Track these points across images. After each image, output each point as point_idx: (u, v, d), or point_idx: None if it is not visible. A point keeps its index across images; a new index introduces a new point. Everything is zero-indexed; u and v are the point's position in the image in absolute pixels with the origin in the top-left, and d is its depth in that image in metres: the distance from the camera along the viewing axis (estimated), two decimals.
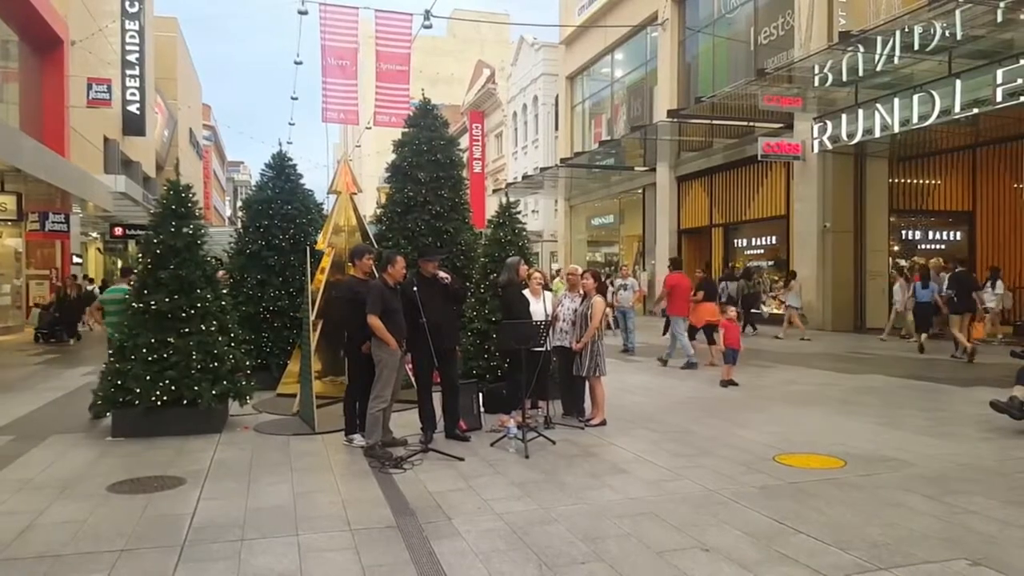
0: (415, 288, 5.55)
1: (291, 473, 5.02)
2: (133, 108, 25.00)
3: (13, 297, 18.48)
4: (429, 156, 9.38)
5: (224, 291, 6.98)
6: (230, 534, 3.84)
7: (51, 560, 3.52)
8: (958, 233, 17.40)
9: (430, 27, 15.95)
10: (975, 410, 6.75)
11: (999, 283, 12.62)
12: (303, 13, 15.10)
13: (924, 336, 12.14)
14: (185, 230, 6.40)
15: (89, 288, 21.90)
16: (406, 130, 9.83)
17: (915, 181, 16.79)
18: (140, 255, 6.62)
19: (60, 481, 4.86)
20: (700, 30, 19.72)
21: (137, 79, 24.86)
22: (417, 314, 5.46)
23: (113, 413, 6.09)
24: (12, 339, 16.52)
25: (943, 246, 17.38)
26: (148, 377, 5.97)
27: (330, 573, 3.36)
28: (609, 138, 22.87)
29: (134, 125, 25.33)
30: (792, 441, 5.75)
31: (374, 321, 5.35)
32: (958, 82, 11.04)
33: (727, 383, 8.46)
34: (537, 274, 6.69)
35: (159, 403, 5.99)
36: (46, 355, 13.15)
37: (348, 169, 8.15)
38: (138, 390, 5.95)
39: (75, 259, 20.84)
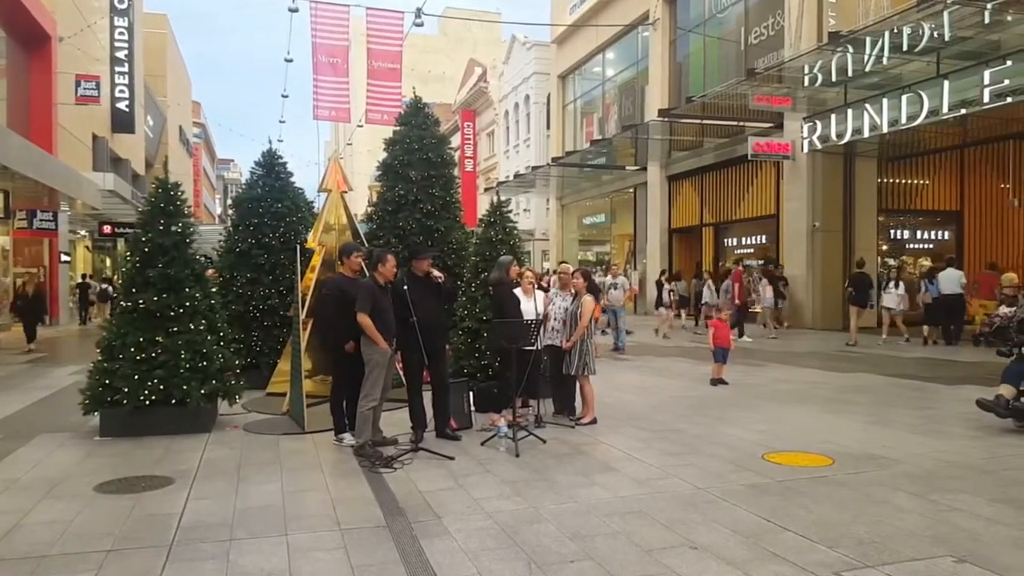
0: (406, 287, 5.53)
1: (281, 472, 5.00)
2: (122, 105, 24.79)
3: (0, 295, 18.30)
4: (420, 155, 9.36)
5: (213, 289, 6.94)
6: (219, 534, 3.82)
7: (37, 560, 3.49)
8: (946, 233, 17.56)
9: (421, 25, 15.91)
10: (962, 408, 6.81)
11: (900, 284, 12.64)
12: (294, 11, 15.03)
13: (930, 329, 12.64)
14: (174, 228, 6.35)
15: (103, 287, 21.79)
16: (397, 128, 9.80)
17: (904, 181, 16.92)
18: (128, 253, 6.57)
19: (47, 481, 4.81)
20: (691, 30, 19.78)
21: (126, 76, 24.66)
22: (408, 313, 5.45)
23: (101, 412, 6.04)
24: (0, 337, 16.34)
25: (931, 245, 17.55)
26: (136, 376, 5.93)
27: (319, 572, 3.35)
28: (600, 137, 22.91)
29: (123, 122, 25.13)
30: (781, 439, 5.79)
31: (364, 319, 5.33)
32: (946, 83, 11.13)
33: (717, 382, 8.49)
34: (529, 273, 6.68)
35: (147, 402, 5.94)
36: (34, 354, 13.03)
37: (339, 167, 8.11)
38: (126, 389, 5.90)
39: (63, 257, 20.65)
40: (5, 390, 8.85)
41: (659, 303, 15.07)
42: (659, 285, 15.29)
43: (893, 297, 12.52)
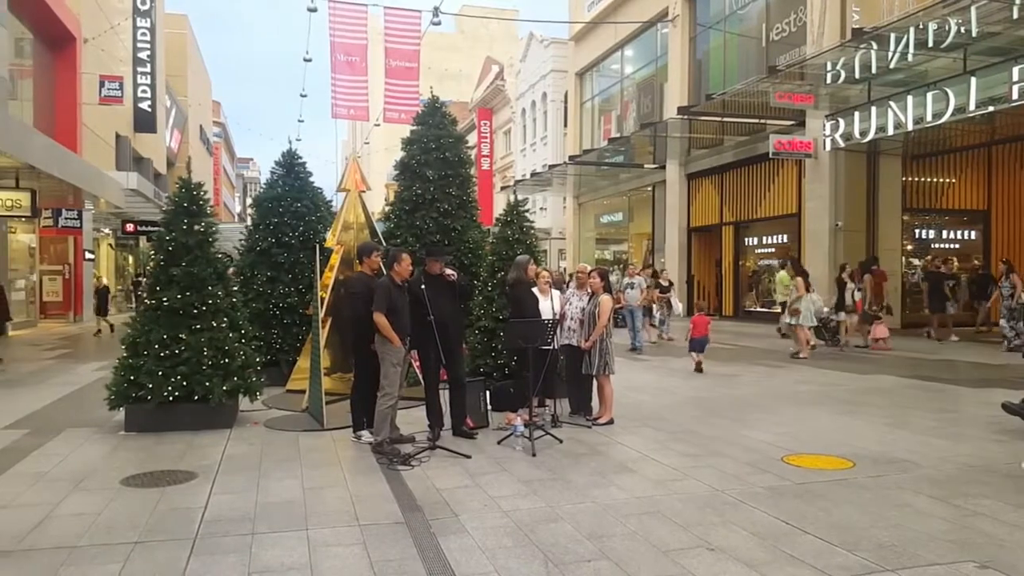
0: (422, 286, 5.57)
1: (300, 468, 5.07)
2: (144, 105, 25.21)
3: (27, 293, 18.71)
4: (437, 154, 9.40)
5: (235, 288, 7.04)
6: (241, 528, 3.89)
7: (67, 551, 3.58)
8: (973, 232, 17.25)
9: (439, 23, 15.99)
10: (986, 412, 6.70)
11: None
12: (312, 10, 15.17)
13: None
14: (197, 227, 6.46)
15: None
16: (415, 127, 9.85)
17: (929, 179, 16.63)
18: (153, 252, 6.69)
19: (75, 474, 4.93)
20: (711, 26, 19.61)
21: (148, 76, 25.07)
22: (425, 312, 5.49)
23: (126, 408, 6.17)
24: (26, 333, 16.72)
25: (957, 245, 17.23)
26: (160, 373, 6.04)
27: (339, 567, 3.40)
28: (618, 135, 22.81)
29: (145, 122, 25.55)
30: (800, 441, 5.74)
31: (379, 319, 5.38)
32: (973, 79, 10.92)
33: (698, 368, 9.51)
34: (545, 273, 6.69)
35: (171, 398, 6.06)
36: (59, 350, 13.31)
37: (357, 167, 8.19)
38: (150, 385, 6.02)
39: (87, 255, 21.06)
40: (32, 385, 9.06)
41: (840, 305, 12.53)
42: (840, 284, 12.70)
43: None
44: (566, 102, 29.10)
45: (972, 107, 10.95)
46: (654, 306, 14.00)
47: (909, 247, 16.68)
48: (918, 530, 3.79)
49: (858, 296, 12.23)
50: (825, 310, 12.30)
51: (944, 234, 17.27)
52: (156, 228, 7.06)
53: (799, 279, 11.56)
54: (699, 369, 9.57)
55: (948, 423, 6.39)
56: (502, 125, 36.73)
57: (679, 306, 13.82)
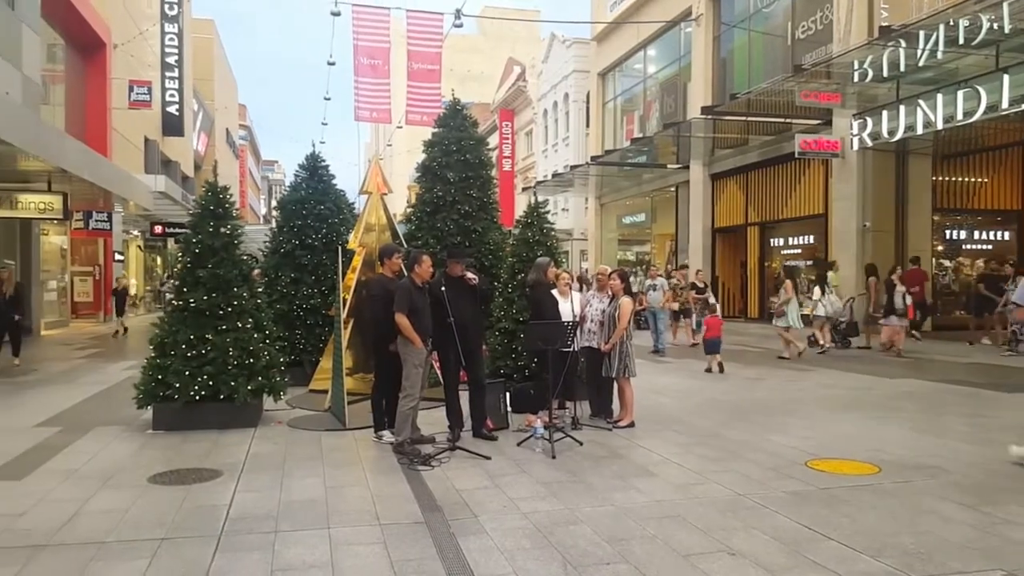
0: (443, 288, 5.61)
1: (323, 468, 5.13)
2: (172, 109, 25.72)
3: (59, 293, 19.20)
4: (458, 156, 9.44)
5: (259, 289, 7.15)
6: (264, 526, 3.95)
7: (96, 547, 3.67)
8: (1006, 233, 16.82)
9: (461, 26, 16.07)
10: (1019, 417, 6.53)
11: (816, 289, 11.73)
12: (336, 14, 15.35)
13: None
14: (223, 230, 6.58)
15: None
16: (436, 130, 9.91)
17: (960, 179, 16.26)
18: (180, 254, 6.83)
19: (103, 472, 5.05)
20: (735, 25, 19.41)
21: (176, 81, 25.57)
22: (445, 313, 5.52)
23: (154, 407, 6.30)
24: (57, 333, 17.17)
25: (990, 246, 16.81)
26: (187, 372, 6.16)
27: (360, 566, 3.44)
28: (641, 135, 22.66)
29: (173, 126, 26.05)
30: (825, 446, 5.65)
31: (401, 319, 5.43)
32: (1006, 77, 10.64)
33: (709, 370, 9.62)
34: (565, 275, 6.69)
35: (197, 398, 6.18)
36: (89, 349, 13.63)
37: (379, 169, 8.26)
38: (177, 385, 6.14)
39: (117, 256, 21.54)
40: (63, 384, 9.29)
41: (891, 310, 11.54)
42: (890, 286, 11.66)
43: (827, 302, 11.78)
44: (588, 102, 29.00)
45: (1005, 105, 10.67)
46: (691, 307, 13.81)
47: (939, 248, 16.31)
48: (944, 537, 3.71)
49: (909, 300, 11.50)
50: (841, 311, 12.07)
51: (976, 235, 16.87)
52: (184, 230, 7.19)
53: (787, 282, 11.50)
54: (721, 370, 9.59)
55: (978, 428, 6.24)
56: (524, 126, 36.75)
57: (717, 307, 13.60)
